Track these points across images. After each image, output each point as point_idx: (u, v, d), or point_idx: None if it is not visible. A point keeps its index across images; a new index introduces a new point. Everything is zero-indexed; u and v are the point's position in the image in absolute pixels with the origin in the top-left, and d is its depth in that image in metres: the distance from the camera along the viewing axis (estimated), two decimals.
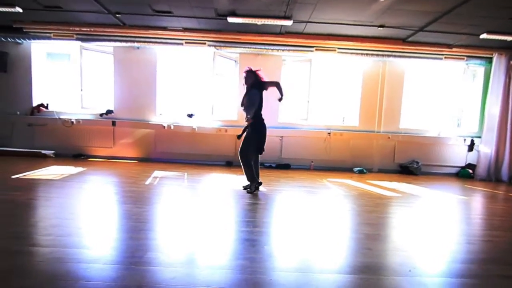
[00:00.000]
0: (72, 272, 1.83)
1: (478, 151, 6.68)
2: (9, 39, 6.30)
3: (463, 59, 6.42)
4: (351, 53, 6.30)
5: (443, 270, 2.19)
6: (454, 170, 6.97)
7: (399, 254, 2.42)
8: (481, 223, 3.52)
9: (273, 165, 6.77)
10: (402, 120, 6.96)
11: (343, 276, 1.97)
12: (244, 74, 4.21)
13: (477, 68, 6.89)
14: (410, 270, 2.09)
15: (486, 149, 6.55)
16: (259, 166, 4.33)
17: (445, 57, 6.37)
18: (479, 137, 6.74)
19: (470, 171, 6.73)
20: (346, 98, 7.14)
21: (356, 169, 6.73)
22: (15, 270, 1.83)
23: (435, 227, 3.25)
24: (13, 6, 5.08)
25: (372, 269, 2.09)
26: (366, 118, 6.92)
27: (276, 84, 4.18)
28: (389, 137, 6.82)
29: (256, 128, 4.10)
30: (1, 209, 3.04)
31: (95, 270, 1.86)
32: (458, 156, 6.93)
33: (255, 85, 4.13)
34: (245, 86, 4.25)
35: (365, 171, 6.71)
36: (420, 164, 6.75)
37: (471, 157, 6.87)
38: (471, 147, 6.85)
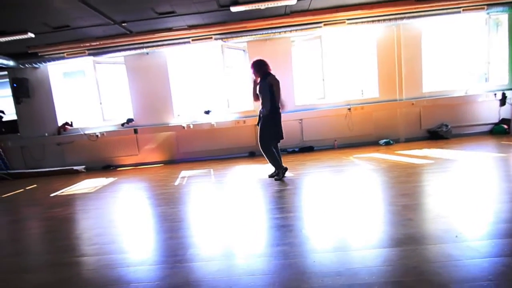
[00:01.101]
0: (122, 276, 1.90)
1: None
2: (26, 65, 6.56)
3: (483, 8, 5.98)
4: (362, 22, 6.03)
5: (490, 232, 2.10)
6: (487, 128, 6.62)
7: (442, 221, 2.33)
8: None
9: (296, 149, 6.71)
10: (425, 84, 6.63)
11: (387, 249, 1.93)
12: (252, 70, 4.15)
13: (500, 16, 6.42)
14: (456, 236, 2.02)
15: None
16: (280, 152, 4.30)
17: (463, 10, 5.96)
18: (511, 89, 6.34)
19: (505, 126, 6.37)
20: (362, 70, 6.89)
21: (382, 141, 6.54)
22: (68, 280, 1.92)
23: (475, 189, 3.11)
24: (26, 32, 5.27)
25: (416, 239, 2.03)
26: (386, 87, 6.67)
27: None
28: (413, 104, 6.55)
29: (268, 117, 4.07)
30: (46, 226, 3.20)
31: (143, 272, 1.93)
32: (489, 112, 6.56)
33: (264, 77, 4.08)
34: (257, 78, 4.18)
35: (391, 142, 6.51)
36: (449, 127, 6.46)
37: (505, 112, 6.48)
38: (503, 101, 6.45)
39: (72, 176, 6.41)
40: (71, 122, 7.12)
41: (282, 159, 4.30)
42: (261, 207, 3.18)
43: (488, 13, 6.21)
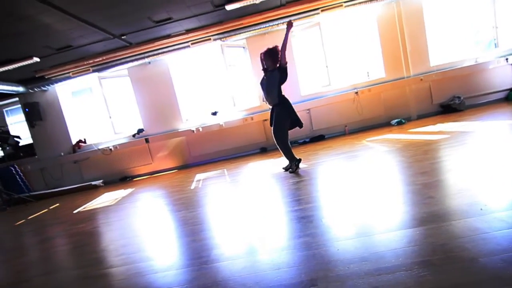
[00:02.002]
0: (152, 282, 1.94)
1: None
2: (35, 89, 6.73)
3: None
4: (359, 3, 5.90)
5: None
6: (502, 95, 6.42)
7: (465, 195, 2.28)
8: None
9: (307, 139, 6.67)
10: (432, 58, 6.47)
11: (411, 230, 1.90)
12: (262, 56, 4.10)
13: None
14: (481, 209, 1.97)
15: None
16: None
17: None
18: None
19: None
20: (365, 52, 6.78)
21: (394, 121, 6.43)
22: None
23: (495, 159, 3.03)
24: (31, 57, 5.42)
25: (440, 216, 2.00)
26: (392, 66, 6.54)
27: (283, 48, 3.98)
28: (421, 79, 6.41)
29: (284, 106, 4.03)
30: (73, 242, 3.29)
31: (172, 277, 1.96)
32: (503, 78, 6.35)
33: (276, 66, 4.02)
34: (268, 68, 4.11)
35: (403, 121, 6.39)
36: (462, 98, 6.29)
37: None
38: None
39: (92, 191, 6.56)
40: (85, 139, 7.27)
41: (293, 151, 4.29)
42: (279, 201, 3.18)
43: None
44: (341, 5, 5.76)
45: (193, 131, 6.80)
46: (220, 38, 6.10)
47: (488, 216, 1.87)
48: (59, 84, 6.72)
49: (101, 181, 7.04)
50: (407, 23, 6.33)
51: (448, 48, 6.66)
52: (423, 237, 1.79)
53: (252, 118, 6.72)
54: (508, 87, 6.35)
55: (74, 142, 7.19)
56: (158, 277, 2.00)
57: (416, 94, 6.52)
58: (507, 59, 6.22)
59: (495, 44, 6.53)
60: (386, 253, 1.69)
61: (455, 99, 6.31)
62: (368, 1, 5.86)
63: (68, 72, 6.39)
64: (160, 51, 6.26)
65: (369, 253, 1.73)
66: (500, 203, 2.05)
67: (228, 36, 6.09)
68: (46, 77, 6.43)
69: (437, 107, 6.53)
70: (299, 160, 4.18)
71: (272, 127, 4.16)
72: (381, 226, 2.06)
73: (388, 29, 6.42)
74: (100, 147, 7.05)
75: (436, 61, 6.49)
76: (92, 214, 4.39)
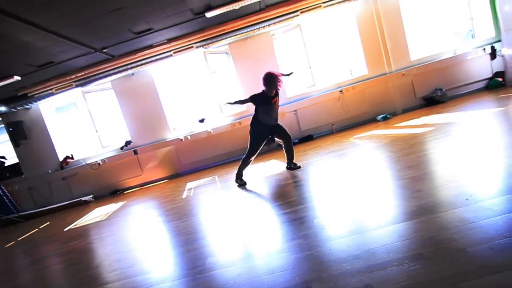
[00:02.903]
0: None
1: (503, 56, 6.25)
2: (18, 108, 6.58)
3: None
4: (338, 3, 5.97)
5: (502, 188, 2.10)
6: (482, 84, 6.58)
7: (452, 186, 2.33)
8: None
9: (296, 140, 6.70)
10: (412, 52, 6.60)
11: (401, 224, 1.94)
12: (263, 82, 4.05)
13: None
14: (467, 199, 2.02)
15: (510, 50, 6.10)
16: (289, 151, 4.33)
17: None
18: (499, 41, 6.29)
19: (500, 79, 6.32)
20: (347, 50, 6.87)
21: (379, 117, 6.52)
22: None
23: (480, 148, 3.10)
24: (12, 76, 5.31)
25: (428, 209, 2.04)
26: (374, 63, 6.64)
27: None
28: (403, 74, 6.53)
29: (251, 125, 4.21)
30: (66, 260, 3.23)
31: None
32: (482, 68, 6.51)
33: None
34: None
35: (389, 116, 6.49)
36: (444, 90, 6.43)
37: (497, 65, 6.43)
38: (493, 54, 6.41)
39: (82, 207, 6.45)
40: (72, 155, 7.16)
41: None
42: (271, 204, 3.19)
43: None
44: (320, 6, 5.84)
45: (181, 139, 6.76)
46: (202, 46, 6.09)
47: (474, 206, 1.92)
48: (42, 101, 6.60)
49: (91, 196, 6.93)
50: (386, 19, 6.45)
51: (427, 42, 6.80)
52: (413, 230, 1.83)
53: (240, 123, 6.72)
54: (488, 76, 6.52)
55: (61, 158, 7.06)
56: None
57: (399, 89, 6.64)
58: (484, 49, 6.39)
59: (472, 35, 6.71)
60: (378, 249, 1.72)
61: (437, 91, 6.44)
62: (346, 0, 5.95)
63: (51, 89, 6.29)
64: (143, 61, 6.22)
65: (361, 250, 1.75)
66: (485, 192, 2.10)
67: (210, 43, 6.09)
68: (28, 94, 6.30)
69: (421, 100, 6.66)
70: (245, 183, 4.32)
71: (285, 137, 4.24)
72: (373, 223, 2.09)
73: (367, 26, 6.53)
74: (88, 162, 6.94)
75: (416, 55, 6.62)
76: (84, 231, 4.32)
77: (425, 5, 6.71)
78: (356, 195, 2.72)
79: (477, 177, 2.37)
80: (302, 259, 1.84)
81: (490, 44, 6.39)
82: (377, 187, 2.81)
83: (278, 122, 4.25)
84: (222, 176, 5.36)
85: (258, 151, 4.27)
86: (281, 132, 4.24)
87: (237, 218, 3.02)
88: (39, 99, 6.48)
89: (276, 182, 3.92)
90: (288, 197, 3.17)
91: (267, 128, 4.16)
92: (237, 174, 4.37)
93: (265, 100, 4.05)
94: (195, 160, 6.92)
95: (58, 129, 7.24)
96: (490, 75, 6.49)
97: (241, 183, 4.32)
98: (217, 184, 4.89)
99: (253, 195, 3.74)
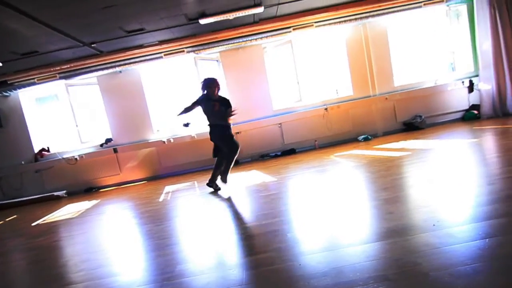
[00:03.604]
0: None
1: (479, 90, 6.59)
2: None
3: (442, 1, 6.28)
4: (329, 24, 6.19)
5: (469, 216, 2.19)
6: (459, 115, 6.90)
7: (422, 211, 2.42)
8: (498, 161, 3.48)
9: (278, 153, 6.77)
10: (396, 78, 6.87)
11: (371, 244, 1.99)
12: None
13: (459, 7, 6.74)
14: (434, 224, 2.10)
15: (486, 86, 6.45)
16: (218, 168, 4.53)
17: (424, 4, 6.24)
18: (477, 75, 6.63)
19: (475, 111, 6.65)
20: (335, 70, 7.06)
21: (361, 137, 6.70)
22: None
23: (453, 176, 3.24)
24: None
25: (398, 231, 2.10)
26: (359, 85, 6.85)
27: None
28: (386, 98, 6.76)
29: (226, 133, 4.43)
30: (30, 256, 3.11)
31: None
32: (460, 100, 6.84)
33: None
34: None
35: (370, 137, 6.67)
36: (423, 117, 6.69)
37: (473, 98, 6.77)
38: (471, 88, 6.75)
39: (54, 202, 6.22)
40: (48, 148, 6.93)
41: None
42: (247, 215, 3.20)
43: (447, 5, 6.52)
44: (312, 25, 6.02)
45: (164, 142, 6.69)
46: (193, 51, 6.12)
47: (441, 232, 1.99)
48: (23, 90, 6.40)
49: (64, 191, 6.71)
50: (373, 45, 6.70)
51: (411, 70, 7.09)
52: (381, 251, 1.88)
53: None
54: (464, 108, 6.84)
55: (36, 150, 6.83)
56: None
57: (382, 112, 6.86)
58: (463, 82, 6.72)
59: (453, 67, 7.06)
60: (346, 267, 1.76)
61: (417, 117, 6.70)
62: (337, 23, 6.15)
63: (33, 78, 6.13)
64: (132, 60, 6.17)
65: (329, 268, 1.78)
66: (452, 219, 2.19)
67: (201, 49, 6.13)
68: (8, 82, 6.11)
69: (401, 125, 6.89)
70: (219, 189, 4.49)
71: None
72: (344, 241, 2.14)
73: (355, 50, 6.75)
74: (64, 156, 6.74)
75: (400, 81, 6.89)
76: (52, 227, 4.17)
77: (410, 35, 7.02)
78: (331, 212, 2.77)
79: (447, 204, 2.47)
80: (271, 271, 1.86)
81: (469, 78, 6.74)
82: (352, 206, 2.87)
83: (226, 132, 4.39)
84: (202, 183, 5.32)
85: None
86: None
87: (212, 226, 3.01)
88: (20, 88, 6.29)
89: (255, 193, 3.94)
90: (265, 209, 3.19)
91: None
92: (212, 178, 4.52)
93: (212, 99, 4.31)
94: (176, 163, 6.85)
95: (36, 120, 7.02)
96: (467, 107, 6.82)
97: (216, 188, 4.48)
98: (196, 190, 4.85)
99: (230, 204, 3.74)
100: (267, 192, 3.86)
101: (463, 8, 6.71)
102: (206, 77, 4.34)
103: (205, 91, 4.31)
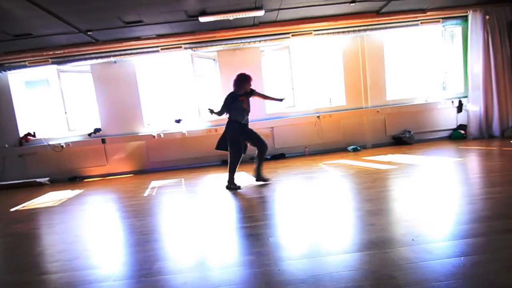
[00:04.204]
0: None
1: (467, 111, 6.75)
2: None
3: (439, 21, 6.43)
4: (328, 34, 6.28)
5: (447, 234, 2.24)
6: (446, 134, 7.05)
7: (402, 225, 2.46)
8: (480, 181, 3.57)
9: (268, 156, 6.78)
10: (389, 92, 6.98)
11: (350, 255, 2.01)
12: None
13: (454, 29, 6.91)
14: (413, 239, 2.14)
15: (474, 107, 6.61)
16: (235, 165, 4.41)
17: (421, 23, 6.38)
18: (466, 96, 6.79)
19: (462, 131, 6.81)
20: (329, 79, 7.13)
21: (350, 147, 6.78)
22: None
23: (435, 193, 3.30)
24: None
25: (377, 243, 2.13)
26: (353, 96, 6.94)
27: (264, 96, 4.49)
28: (378, 111, 6.86)
29: (226, 129, 4.31)
30: (6, 243, 3.03)
31: None
32: (448, 119, 6.99)
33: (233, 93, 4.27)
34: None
35: (359, 148, 6.76)
36: (412, 133, 6.81)
37: (462, 118, 6.94)
38: (460, 108, 6.91)
39: (35, 188, 6.09)
40: (34, 133, 6.79)
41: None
42: (231, 217, 3.20)
43: (443, 26, 6.67)
44: (311, 33, 6.08)
45: (154, 136, 6.64)
46: (191, 48, 6.11)
47: (418, 247, 2.03)
48: (13, 71, 6.27)
49: (47, 179, 6.58)
50: (369, 58, 6.80)
51: (403, 85, 7.22)
52: (359, 262, 1.90)
53: (216, 130, 6.70)
54: (452, 127, 7.00)
55: (22, 134, 6.68)
56: None
57: (372, 125, 6.95)
58: (452, 101, 6.87)
59: (444, 87, 7.21)
60: (323, 276, 1.77)
61: (406, 132, 6.81)
62: (335, 33, 6.23)
63: (25, 61, 6.01)
64: (128, 52, 6.12)
65: (307, 275, 1.79)
66: (431, 235, 2.23)
67: (199, 47, 6.12)
68: None
69: (390, 139, 7.00)
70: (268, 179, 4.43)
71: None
72: (324, 249, 2.16)
73: (352, 61, 6.84)
74: (50, 142, 6.61)
75: (392, 96, 7.00)
76: (32, 214, 4.09)
77: (406, 52, 7.16)
78: (314, 220, 2.79)
79: (427, 220, 2.51)
80: (250, 276, 1.86)
81: (459, 98, 6.89)
82: (335, 215, 2.90)
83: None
84: (189, 180, 5.30)
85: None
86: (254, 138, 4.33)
87: (195, 225, 2.99)
88: (9, 69, 6.17)
89: (241, 194, 3.94)
90: (249, 212, 3.19)
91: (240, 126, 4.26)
92: (228, 179, 4.34)
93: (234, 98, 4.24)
94: (164, 159, 6.79)
95: (24, 104, 6.87)
96: (455, 127, 6.97)
97: (235, 187, 4.29)
98: (182, 187, 4.82)
99: (215, 204, 3.73)
100: (253, 195, 3.86)
101: (458, 30, 6.88)
102: (242, 72, 4.29)
103: (238, 88, 4.24)
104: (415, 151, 5.84)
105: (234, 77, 4.24)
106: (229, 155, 4.27)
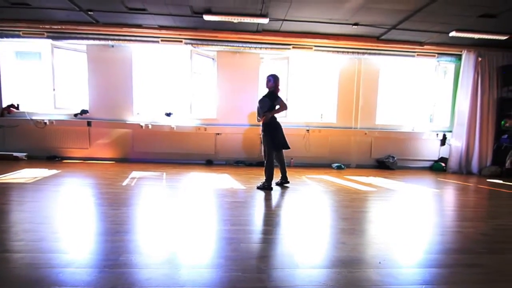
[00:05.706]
0: (45, 277, 1.80)
1: (450, 145, 6.96)
2: None
3: (434, 56, 6.66)
4: (327, 51, 6.40)
5: (414, 261, 2.29)
6: (427, 164, 7.25)
7: (372, 247, 2.50)
8: (453, 214, 3.68)
9: (253, 162, 6.80)
10: (378, 117, 7.15)
11: (317, 270, 2.03)
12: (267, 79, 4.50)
13: (447, 65, 7.17)
14: (380, 262, 2.18)
15: (457, 143, 6.83)
16: (284, 165, 4.76)
17: (417, 54, 6.59)
18: (451, 131, 7.02)
19: (443, 164, 7.02)
20: (323, 95, 7.25)
21: (334, 165, 6.87)
22: None
23: (409, 220, 3.37)
24: None
25: (345, 262, 2.16)
26: (344, 115, 7.07)
27: (284, 108, 4.55)
28: (365, 133, 7.00)
29: (266, 129, 4.52)
30: None
31: (68, 275, 1.84)
32: (431, 150, 7.21)
33: (270, 95, 4.44)
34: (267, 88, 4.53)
35: (343, 166, 6.85)
36: (395, 159, 6.97)
37: (444, 151, 7.16)
38: (443, 141, 7.13)
39: (11, 163, 5.90)
40: (18, 105, 6.60)
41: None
42: (207, 217, 3.18)
43: (438, 61, 6.91)
44: (311, 48, 6.18)
45: (142, 126, 6.56)
46: (191, 44, 6.10)
47: (384, 270, 2.07)
48: (4, 40, 6.11)
49: (24, 154, 6.39)
50: (364, 81, 6.96)
51: (393, 111, 7.40)
52: (325, 279, 1.92)
53: (205, 129, 6.70)
54: (434, 158, 7.21)
55: (4, 105, 6.49)
56: (53, 272, 1.86)
57: (359, 145, 7.08)
58: (437, 134, 7.09)
59: (431, 118, 7.43)
60: None
61: (390, 158, 6.97)
62: (335, 52, 6.36)
63: (19, 31, 5.86)
64: (127, 37, 6.06)
65: (270, 286, 1.80)
66: (398, 260, 2.28)
67: (200, 44, 6.12)
68: None
69: (374, 161, 7.14)
70: (287, 182, 4.76)
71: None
72: (292, 262, 2.17)
73: (347, 81, 6.98)
74: (34, 117, 6.44)
75: (381, 120, 7.17)
76: (2, 189, 3.96)
77: (399, 80, 7.36)
78: (287, 232, 2.81)
79: (396, 245, 2.57)
80: (215, 279, 1.85)
81: (443, 131, 7.11)
82: (309, 229, 2.92)
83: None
84: (171, 175, 5.25)
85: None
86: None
87: (169, 222, 2.96)
88: (1, 37, 6.00)
89: (221, 197, 3.93)
90: (226, 215, 3.19)
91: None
92: (267, 179, 4.50)
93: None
94: (149, 151, 6.72)
95: (12, 74, 6.69)
96: (436, 158, 7.18)
97: (270, 187, 4.48)
98: (163, 182, 4.77)
99: (194, 203, 3.70)
100: (232, 199, 3.86)
101: (451, 66, 7.13)
102: (272, 73, 4.53)
103: (271, 87, 4.45)
104: (396, 177, 5.97)
105: (270, 77, 4.47)
106: (269, 154, 4.51)
